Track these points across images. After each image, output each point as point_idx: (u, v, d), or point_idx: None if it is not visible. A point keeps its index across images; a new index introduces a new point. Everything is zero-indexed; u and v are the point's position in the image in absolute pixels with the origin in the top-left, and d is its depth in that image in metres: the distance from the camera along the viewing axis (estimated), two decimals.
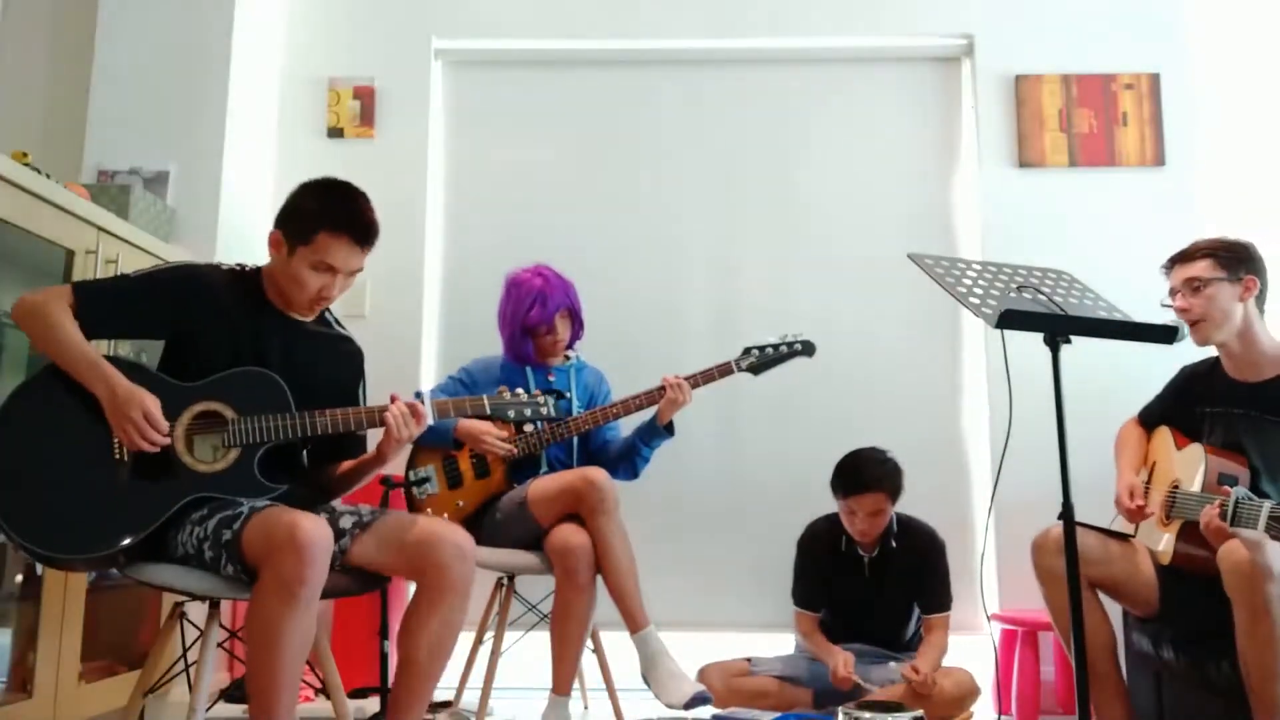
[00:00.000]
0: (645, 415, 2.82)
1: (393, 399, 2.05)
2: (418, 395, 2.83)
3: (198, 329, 2.02)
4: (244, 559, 1.83)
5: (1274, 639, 2.01)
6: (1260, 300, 2.37)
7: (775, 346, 2.83)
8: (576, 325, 2.95)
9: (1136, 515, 2.38)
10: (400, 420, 2.02)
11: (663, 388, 2.74)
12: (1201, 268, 2.36)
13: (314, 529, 1.76)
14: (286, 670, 1.75)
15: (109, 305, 1.99)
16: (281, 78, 3.57)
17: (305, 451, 2.21)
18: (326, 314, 2.24)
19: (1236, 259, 2.35)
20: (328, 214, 2.04)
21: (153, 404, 1.90)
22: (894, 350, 3.47)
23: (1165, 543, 2.34)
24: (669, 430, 2.81)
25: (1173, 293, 2.42)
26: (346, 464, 2.21)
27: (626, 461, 2.87)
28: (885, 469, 2.81)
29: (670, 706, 2.43)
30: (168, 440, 1.91)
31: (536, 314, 2.82)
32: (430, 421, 2.06)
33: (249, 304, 2.09)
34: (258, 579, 1.79)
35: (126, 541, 1.86)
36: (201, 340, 2.02)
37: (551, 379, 2.91)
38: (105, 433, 1.91)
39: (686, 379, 2.75)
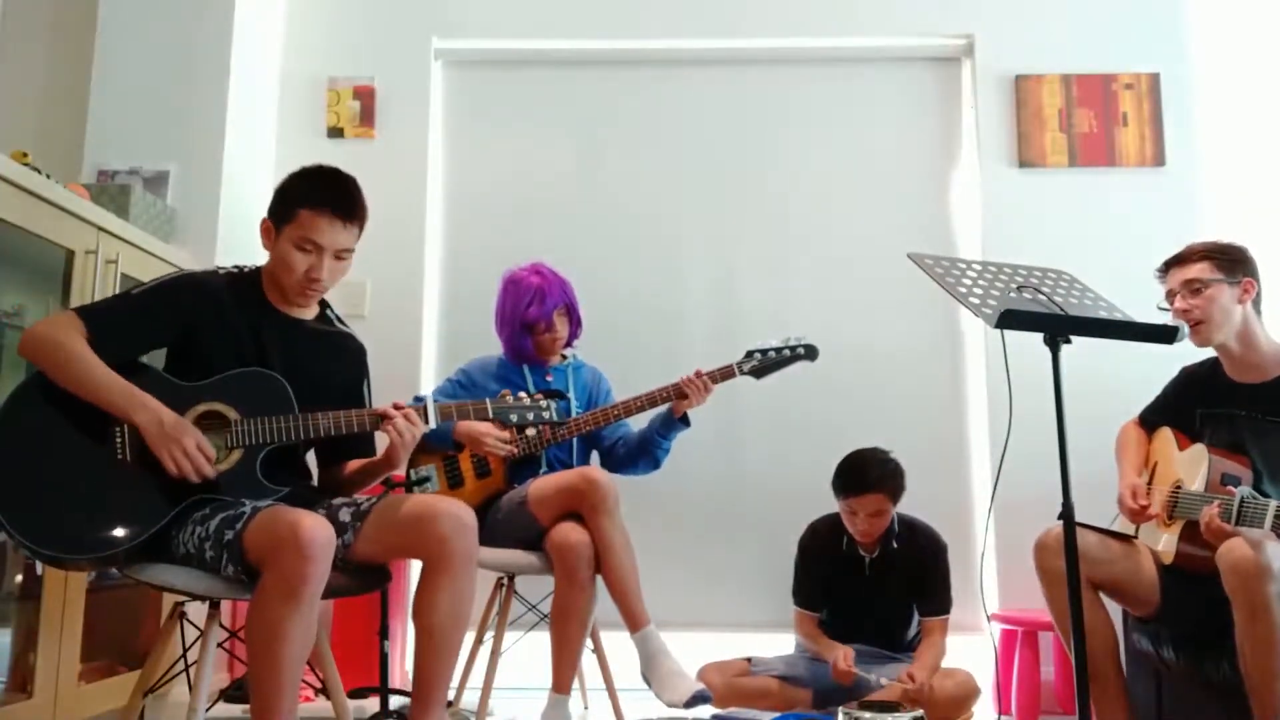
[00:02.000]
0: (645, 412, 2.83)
1: (396, 405, 2.05)
2: (418, 399, 2.84)
3: (201, 333, 2.02)
4: (245, 559, 1.83)
5: (1273, 638, 2.01)
6: (1257, 302, 2.37)
7: (778, 350, 2.82)
8: (574, 323, 2.95)
9: (1140, 516, 2.38)
10: (403, 428, 2.02)
11: (684, 383, 2.73)
12: (1200, 269, 2.36)
13: (316, 528, 1.76)
14: (288, 670, 1.75)
15: (121, 329, 1.98)
16: (281, 78, 3.57)
17: (315, 450, 2.21)
18: (329, 312, 2.24)
19: (1234, 261, 2.36)
20: (309, 191, 2.07)
21: (203, 438, 1.90)
22: (894, 350, 3.47)
23: (1167, 543, 2.34)
24: (685, 422, 2.82)
25: (1170, 295, 2.42)
26: (355, 464, 2.21)
27: (646, 455, 2.87)
28: (886, 469, 2.81)
29: (670, 705, 2.43)
30: (213, 473, 1.91)
31: (535, 311, 2.83)
32: (432, 425, 2.06)
33: (249, 305, 2.09)
34: (260, 579, 1.78)
35: (129, 543, 1.85)
36: (204, 343, 2.02)
37: (549, 379, 2.92)
38: (108, 431, 1.90)
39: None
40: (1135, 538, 2.44)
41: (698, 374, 2.75)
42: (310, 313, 2.19)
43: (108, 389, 1.89)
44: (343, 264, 2.11)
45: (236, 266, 2.18)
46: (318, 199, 2.06)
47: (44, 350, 1.90)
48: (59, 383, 1.90)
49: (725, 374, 2.79)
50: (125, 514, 1.87)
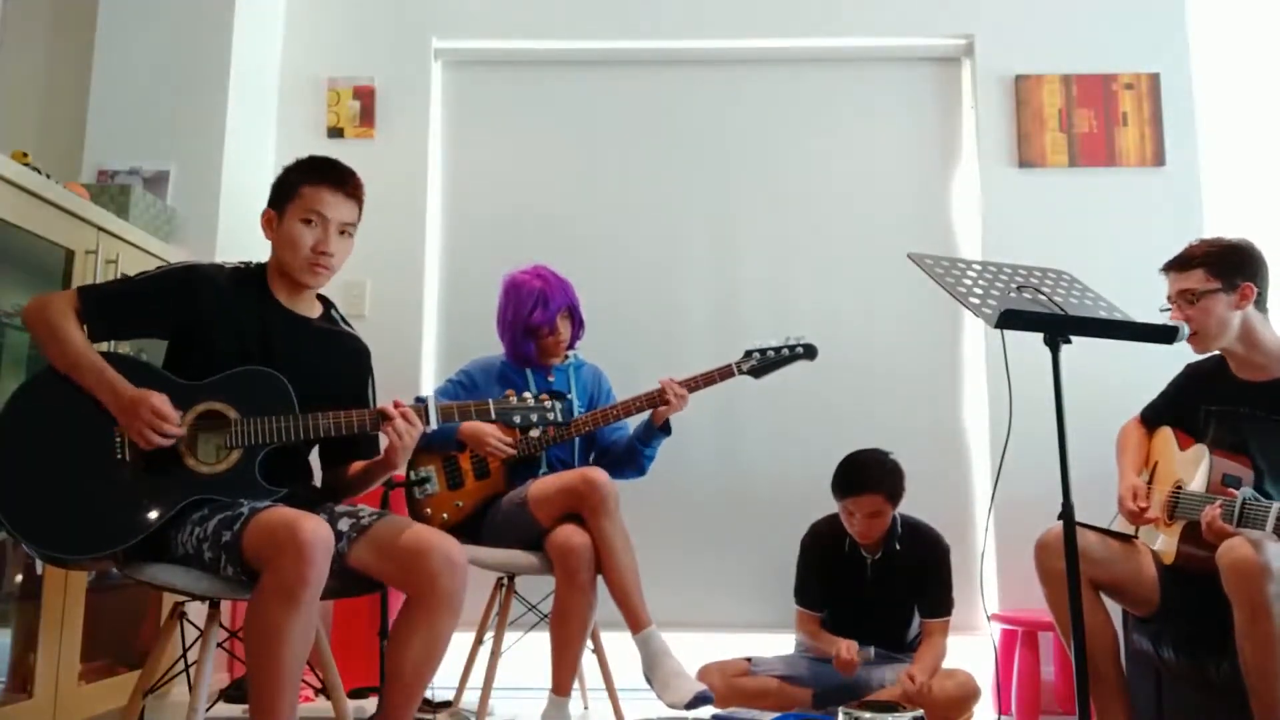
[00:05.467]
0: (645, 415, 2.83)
1: (396, 404, 2.04)
2: (420, 400, 2.85)
3: (203, 327, 2.02)
4: (244, 560, 1.82)
5: (1273, 638, 2.00)
6: (1261, 302, 2.35)
7: (777, 349, 2.83)
8: (577, 324, 2.95)
9: (1138, 518, 2.37)
10: (403, 429, 2.01)
11: (662, 391, 2.74)
12: (1196, 279, 2.34)
13: (315, 530, 1.76)
14: (288, 671, 1.75)
15: (114, 308, 2.00)
16: (281, 78, 3.57)
17: (318, 451, 2.21)
18: (333, 312, 2.24)
19: (1231, 266, 2.32)
20: (306, 171, 2.13)
21: (159, 400, 1.90)
22: (894, 350, 3.47)
23: (1167, 543, 2.34)
24: (665, 430, 2.82)
25: (1170, 300, 2.42)
26: (358, 465, 2.21)
27: (631, 462, 2.87)
28: (884, 470, 2.80)
29: (672, 706, 2.43)
30: (181, 431, 1.92)
31: (539, 315, 2.83)
32: (433, 426, 2.05)
33: (254, 301, 2.09)
34: (259, 580, 1.78)
35: (128, 542, 1.86)
36: (207, 338, 2.02)
37: (551, 379, 2.92)
38: (107, 432, 1.91)
39: (685, 382, 2.75)
40: (1135, 537, 2.44)
41: (667, 383, 2.75)
42: (314, 310, 2.19)
43: (76, 366, 1.92)
44: (347, 241, 2.14)
45: (243, 262, 2.18)
46: (316, 175, 2.11)
47: (34, 322, 1.95)
48: (45, 355, 1.93)
49: (724, 374, 2.79)
50: (124, 513, 1.87)
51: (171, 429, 1.90)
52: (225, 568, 1.85)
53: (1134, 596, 2.38)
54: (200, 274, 2.07)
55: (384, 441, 2.10)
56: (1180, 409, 2.51)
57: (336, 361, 2.18)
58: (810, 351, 2.84)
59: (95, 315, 1.97)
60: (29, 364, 2.40)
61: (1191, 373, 2.54)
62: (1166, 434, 2.51)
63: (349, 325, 2.27)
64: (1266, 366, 2.35)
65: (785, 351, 2.83)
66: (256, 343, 2.05)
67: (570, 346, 2.97)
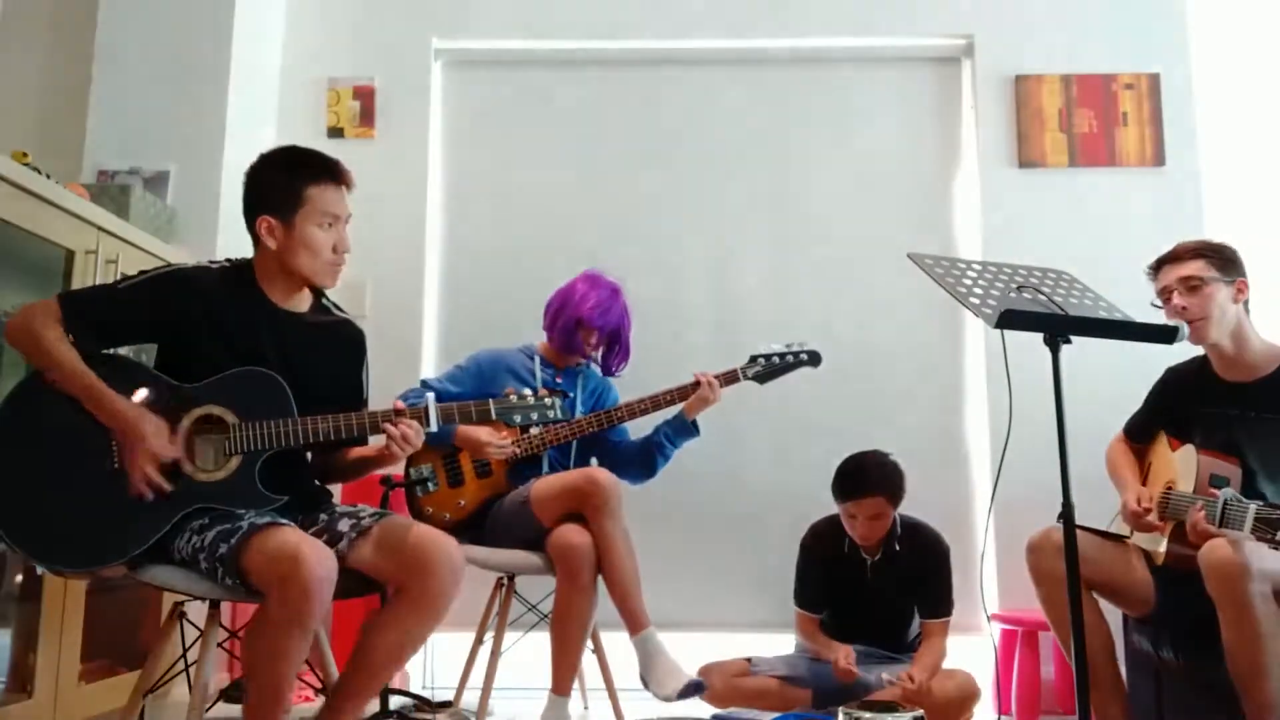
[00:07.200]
0: (650, 419, 2.82)
1: (397, 409, 2.02)
2: (424, 384, 2.84)
3: (192, 330, 1.99)
4: (242, 575, 1.81)
5: (1259, 636, 2.01)
6: (1246, 303, 2.37)
7: (781, 356, 2.84)
8: (614, 353, 2.96)
9: (1141, 519, 2.33)
10: (407, 436, 2.00)
11: (696, 383, 2.76)
12: (1197, 267, 2.34)
13: (319, 564, 1.75)
14: (289, 683, 1.79)
15: (98, 318, 1.95)
16: (281, 78, 3.57)
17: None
18: (324, 300, 2.21)
19: (1228, 261, 2.36)
20: (301, 171, 2.05)
21: (154, 435, 1.86)
22: (894, 350, 3.47)
23: (1159, 543, 2.33)
24: (696, 428, 2.83)
25: (1165, 293, 2.40)
26: (355, 452, 2.19)
27: (645, 461, 2.87)
28: (885, 472, 2.80)
29: (666, 699, 2.44)
30: (168, 486, 1.87)
31: (589, 315, 2.83)
32: (433, 428, 2.03)
33: (242, 299, 2.05)
34: (263, 604, 1.79)
35: (127, 555, 1.85)
36: (196, 341, 1.99)
37: (559, 380, 2.91)
38: (102, 441, 1.89)
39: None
40: (1128, 538, 2.44)
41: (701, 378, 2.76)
42: (305, 304, 2.15)
43: (69, 383, 1.88)
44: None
45: (228, 260, 2.14)
46: (316, 174, 2.05)
47: (19, 339, 1.91)
48: (37, 368, 1.91)
49: (729, 378, 2.80)
50: (122, 524, 1.86)
51: (160, 484, 1.86)
52: (223, 579, 1.84)
53: (1127, 596, 2.38)
54: (187, 278, 2.02)
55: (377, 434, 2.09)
56: (1166, 414, 2.51)
57: (331, 354, 2.15)
58: (814, 358, 2.85)
59: (80, 326, 1.92)
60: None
61: (1173, 377, 2.53)
62: (1160, 436, 2.51)
63: (342, 311, 2.24)
64: (1254, 365, 2.35)
65: (790, 358, 2.85)
66: (246, 342, 2.02)
67: (607, 372, 2.99)
